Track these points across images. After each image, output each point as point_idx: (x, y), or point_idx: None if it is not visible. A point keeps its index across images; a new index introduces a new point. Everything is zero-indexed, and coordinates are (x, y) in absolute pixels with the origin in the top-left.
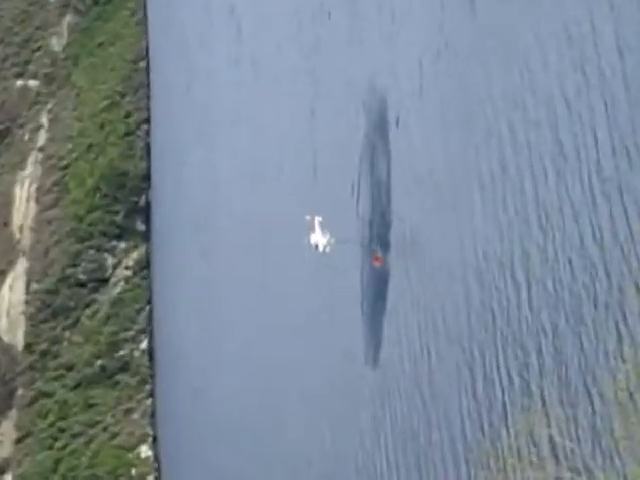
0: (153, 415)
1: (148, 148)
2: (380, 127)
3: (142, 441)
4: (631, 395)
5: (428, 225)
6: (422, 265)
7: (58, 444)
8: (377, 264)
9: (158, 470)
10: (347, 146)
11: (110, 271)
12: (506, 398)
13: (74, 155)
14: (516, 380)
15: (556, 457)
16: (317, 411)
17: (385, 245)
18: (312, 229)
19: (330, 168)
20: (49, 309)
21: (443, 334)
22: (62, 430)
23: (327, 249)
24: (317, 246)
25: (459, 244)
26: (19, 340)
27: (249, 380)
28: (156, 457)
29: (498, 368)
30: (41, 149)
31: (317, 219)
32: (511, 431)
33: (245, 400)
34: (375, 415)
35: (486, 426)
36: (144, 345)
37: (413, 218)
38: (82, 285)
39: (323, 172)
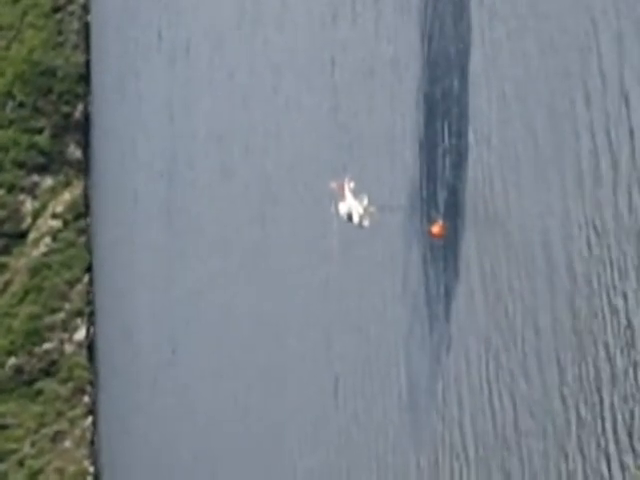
0: (94, 443)
1: (87, 32)
2: None
3: None
4: None
5: (521, 195)
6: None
7: None
8: (436, 234)
9: None
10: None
11: (29, 221)
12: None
13: None
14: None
15: None
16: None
17: (451, 217)
18: (341, 197)
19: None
20: None
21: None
22: None
23: (365, 221)
24: (350, 216)
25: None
26: None
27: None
28: None
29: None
30: None
31: (348, 184)
32: None
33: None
34: None
35: None
36: (80, 335)
37: (499, 181)
38: None
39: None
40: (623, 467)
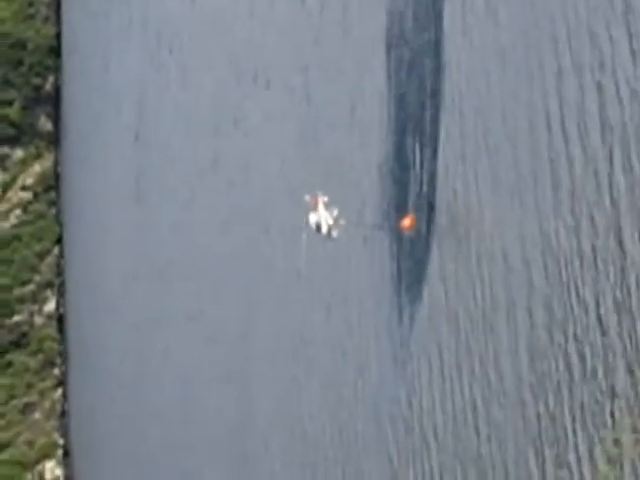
0: (64, 415)
1: (58, 4)
2: None
3: (47, 455)
4: None
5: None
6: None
7: None
8: (406, 227)
9: None
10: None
11: None
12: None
13: None
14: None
15: None
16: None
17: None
18: (313, 208)
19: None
20: None
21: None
22: None
23: (334, 232)
24: (319, 226)
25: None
26: None
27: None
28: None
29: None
30: None
31: (322, 198)
32: None
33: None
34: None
35: None
36: (50, 307)
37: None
38: None
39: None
40: (592, 460)
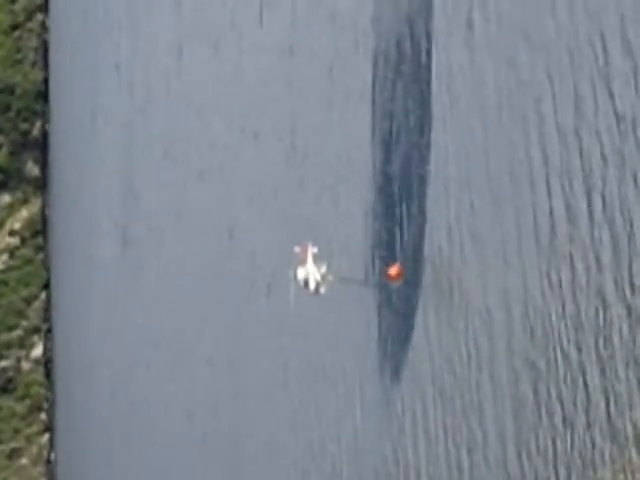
0: (51, 461)
1: (45, 49)
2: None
3: None
4: None
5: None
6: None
7: None
8: (394, 276)
9: None
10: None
11: None
12: None
13: None
14: None
15: None
16: None
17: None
18: (302, 262)
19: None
20: None
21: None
22: None
23: (321, 288)
24: (306, 282)
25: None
26: None
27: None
28: None
29: None
30: None
31: (311, 249)
32: None
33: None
34: None
35: None
36: (37, 352)
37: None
38: None
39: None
40: None
